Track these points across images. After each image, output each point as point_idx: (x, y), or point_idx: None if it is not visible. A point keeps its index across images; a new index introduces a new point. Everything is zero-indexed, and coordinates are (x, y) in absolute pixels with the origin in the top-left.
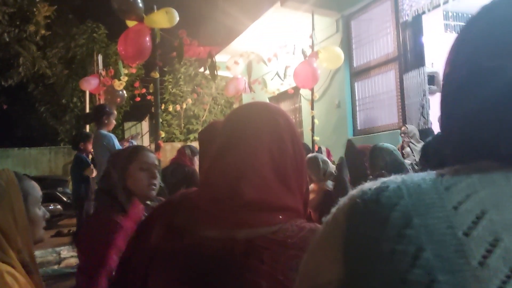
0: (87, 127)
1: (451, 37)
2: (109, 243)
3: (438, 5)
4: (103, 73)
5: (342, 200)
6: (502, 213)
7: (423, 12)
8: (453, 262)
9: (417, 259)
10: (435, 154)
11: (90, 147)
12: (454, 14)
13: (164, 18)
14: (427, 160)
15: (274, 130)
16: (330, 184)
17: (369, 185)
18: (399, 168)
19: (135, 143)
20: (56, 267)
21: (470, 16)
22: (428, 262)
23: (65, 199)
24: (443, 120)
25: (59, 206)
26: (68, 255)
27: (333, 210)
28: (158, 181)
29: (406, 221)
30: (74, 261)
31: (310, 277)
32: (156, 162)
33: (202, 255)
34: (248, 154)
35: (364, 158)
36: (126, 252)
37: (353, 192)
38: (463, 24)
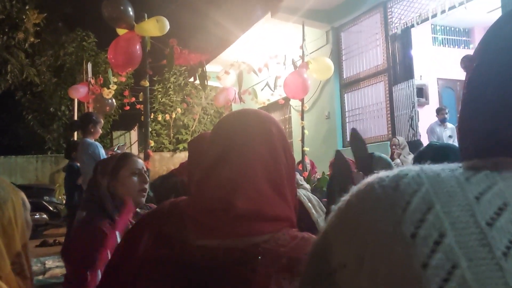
0: (75, 135)
1: (439, 50)
2: (97, 253)
3: (427, 19)
4: (92, 81)
5: (356, 187)
6: None
7: (412, 25)
8: (476, 250)
9: (439, 244)
10: (428, 162)
11: None
12: (442, 27)
13: (155, 27)
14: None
15: (267, 139)
16: (301, 192)
17: (385, 173)
18: None
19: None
20: (41, 277)
21: (460, 28)
22: (451, 248)
23: (51, 208)
24: (463, 114)
25: (44, 216)
26: (53, 265)
27: (346, 197)
28: (147, 186)
29: (428, 206)
30: (59, 271)
31: (320, 261)
32: (146, 168)
33: (192, 264)
34: (242, 164)
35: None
36: (113, 260)
37: (368, 179)
38: (451, 37)
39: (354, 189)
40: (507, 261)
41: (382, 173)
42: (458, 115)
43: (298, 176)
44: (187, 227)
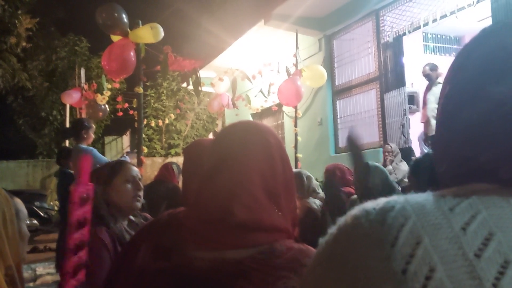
0: (67, 141)
1: (431, 58)
2: (92, 260)
3: (418, 27)
4: (86, 86)
5: (342, 221)
6: (507, 235)
7: (404, 34)
8: (466, 283)
9: (430, 280)
10: (426, 171)
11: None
12: (433, 36)
13: (149, 34)
14: (417, 176)
15: (265, 150)
16: (312, 201)
17: (371, 205)
18: (392, 188)
19: (128, 158)
20: (31, 284)
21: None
22: (442, 283)
23: (42, 214)
24: (438, 138)
25: (35, 221)
26: (44, 272)
27: (333, 230)
28: (142, 193)
29: (416, 240)
30: (50, 278)
31: None
32: (140, 175)
33: (190, 275)
34: (240, 175)
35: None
36: (112, 272)
37: (354, 212)
38: (442, 45)
39: (341, 222)
40: None
41: (369, 205)
42: (433, 140)
43: (314, 182)
44: (185, 238)
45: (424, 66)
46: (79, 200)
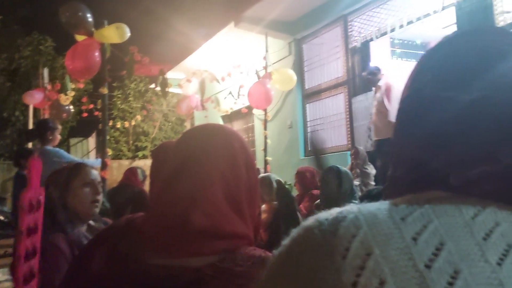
0: (30, 142)
1: (397, 63)
2: (48, 267)
3: (385, 33)
4: (49, 87)
5: (295, 231)
6: (458, 244)
7: (371, 39)
8: None
9: None
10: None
11: None
12: (400, 41)
13: (115, 34)
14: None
15: (229, 154)
16: None
17: (324, 215)
18: (355, 192)
19: (99, 161)
20: None
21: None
22: None
23: (2, 217)
24: (394, 142)
25: None
26: (3, 279)
27: (286, 241)
28: (101, 198)
29: (367, 251)
30: (9, 285)
31: None
32: (99, 179)
33: (147, 283)
34: (201, 180)
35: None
36: (66, 278)
37: (307, 222)
38: (409, 51)
39: (294, 233)
40: None
41: (322, 216)
42: (390, 143)
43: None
44: (142, 244)
45: (366, 70)
46: (29, 206)
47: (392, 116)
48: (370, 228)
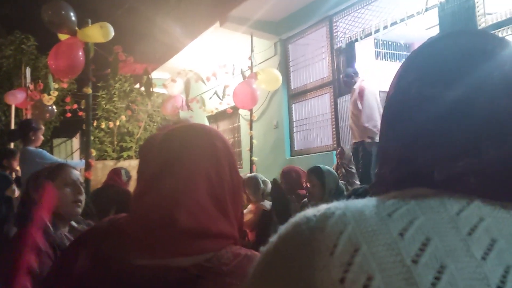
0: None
1: (382, 63)
2: (30, 269)
3: (370, 34)
4: (31, 86)
5: (284, 228)
6: (444, 240)
7: (356, 40)
8: None
9: None
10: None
11: (15, 164)
12: (384, 42)
13: (99, 33)
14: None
15: (212, 154)
16: (268, 204)
17: (312, 211)
18: (342, 191)
19: (83, 162)
20: None
21: (401, 43)
22: None
23: None
24: (381, 142)
25: None
26: None
27: (274, 238)
28: (83, 198)
29: (355, 247)
30: None
31: None
32: (81, 179)
33: (131, 285)
34: (185, 179)
35: (301, 180)
36: (48, 280)
37: (295, 219)
38: (393, 51)
39: (281, 230)
40: None
41: (309, 212)
42: (378, 142)
43: (269, 186)
44: (126, 245)
45: (342, 73)
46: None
47: (365, 119)
48: (358, 224)
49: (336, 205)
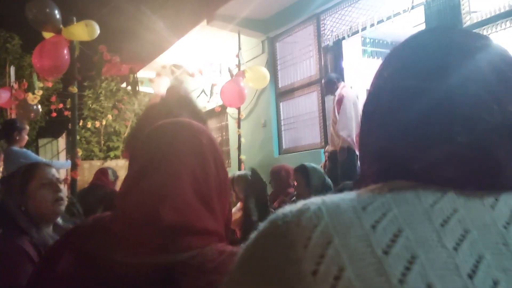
0: None
1: (369, 61)
2: (15, 270)
3: (357, 32)
4: (16, 86)
5: (262, 225)
6: (416, 231)
7: (343, 38)
8: (374, 280)
9: (339, 279)
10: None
11: None
12: (371, 40)
13: (84, 31)
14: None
15: (197, 150)
16: None
17: (289, 208)
18: (329, 187)
19: (69, 163)
20: None
21: (388, 41)
22: (350, 282)
23: None
24: (361, 137)
25: None
26: None
27: (253, 235)
28: (64, 195)
29: (327, 240)
30: None
31: None
32: (58, 176)
33: (116, 283)
34: (170, 175)
35: (290, 178)
36: (31, 280)
37: (273, 216)
38: (379, 49)
39: (260, 227)
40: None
41: (287, 209)
42: (359, 138)
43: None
44: (110, 243)
45: (324, 78)
46: None
47: (340, 127)
48: (332, 218)
49: (313, 201)
